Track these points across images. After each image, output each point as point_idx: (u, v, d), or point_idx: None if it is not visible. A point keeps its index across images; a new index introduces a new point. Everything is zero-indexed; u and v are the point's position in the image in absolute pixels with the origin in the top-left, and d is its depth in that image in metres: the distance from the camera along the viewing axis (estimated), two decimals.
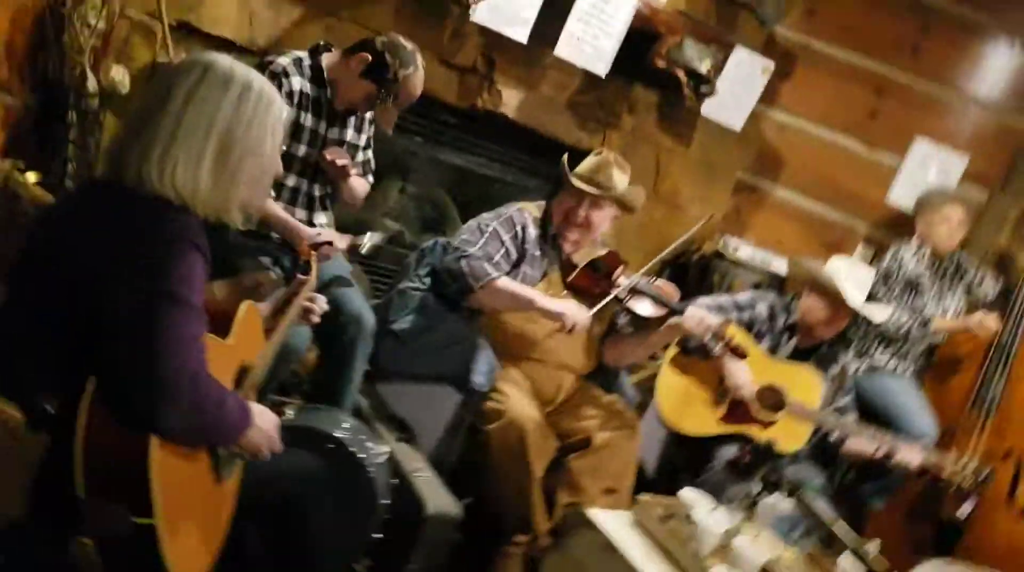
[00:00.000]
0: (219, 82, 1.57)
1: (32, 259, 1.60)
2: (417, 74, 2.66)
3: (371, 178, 3.00)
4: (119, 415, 1.43)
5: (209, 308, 1.59)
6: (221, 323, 1.66)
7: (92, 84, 2.75)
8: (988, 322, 3.60)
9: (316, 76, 2.68)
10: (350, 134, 2.83)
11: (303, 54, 2.71)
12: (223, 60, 1.62)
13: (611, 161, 2.87)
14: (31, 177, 2.63)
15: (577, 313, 2.69)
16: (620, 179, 2.88)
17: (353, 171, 2.76)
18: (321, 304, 2.03)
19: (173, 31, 2.90)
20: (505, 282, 2.75)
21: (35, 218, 1.65)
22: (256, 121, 1.60)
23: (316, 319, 2.04)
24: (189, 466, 1.55)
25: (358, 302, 2.75)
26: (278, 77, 2.57)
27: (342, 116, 2.77)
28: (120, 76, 2.81)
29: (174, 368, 1.43)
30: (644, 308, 2.84)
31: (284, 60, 2.64)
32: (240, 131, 1.58)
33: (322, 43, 2.75)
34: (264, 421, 1.68)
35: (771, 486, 2.39)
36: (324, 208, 2.85)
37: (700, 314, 2.81)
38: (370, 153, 2.97)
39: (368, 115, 2.88)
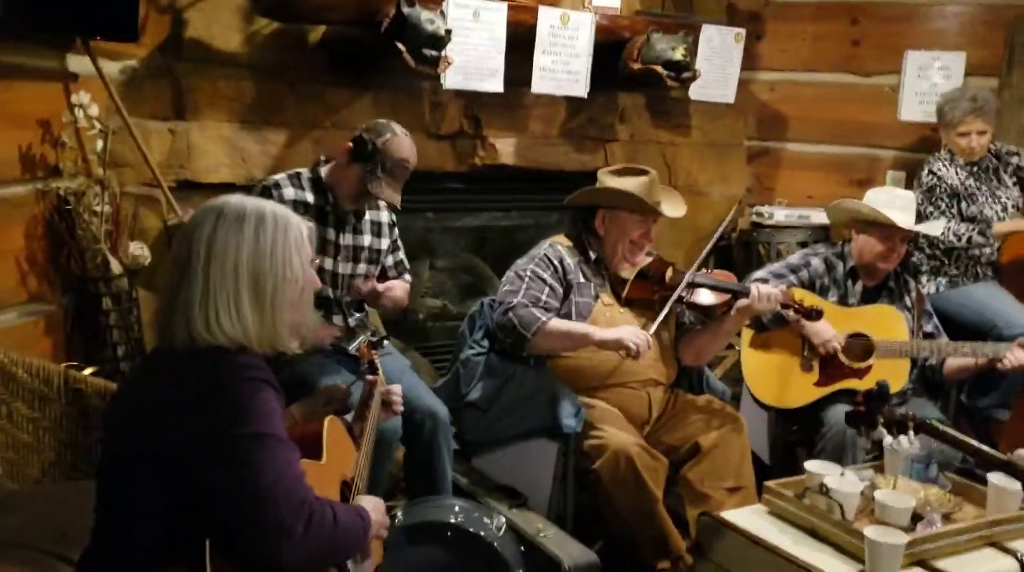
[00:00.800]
0: (233, 223, 1.59)
1: (114, 448, 1.61)
2: (395, 139, 2.66)
3: (408, 277, 3.00)
4: (244, 565, 1.42)
5: (294, 434, 1.59)
6: (310, 445, 1.66)
7: (116, 266, 2.81)
8: None
9: (316, 186, 2.73)
10: (367, 239, 2.85)
11: (303, 169, 2.77)
12: (233, 200, 1.64)
13: (654, 177, 2.89)
14: (88, 371, 2.68)
15: (634, 336, 2.63)
16: (666, 190, 2.94)
17: (370, 283, 2.76)
18: (397, 392, 2.03)
19: (174, 192, 2.98)
20: (556, 323, 2.74)
21: (105, 409, 1.67)
22: (279, 247, 1.61)
23: (400, 409, 2.04)
24: None
25: (427, 397, 2.76)
26: (268, 190, 2.63)
27: (354, 222, 2.79)
28: (139, 250, 2.88)
29: (281, 504, 1.43)
30: (706, 298, 2.82)
31: (278, 176, 2.72)
32: (266, 263, 1.59)
33: (322, 158, 2.80)
34: (376, 511, 1.69)
35: (898, 425, 2.30)
36: (359, 310, 2.88)
37: (761, 288, 2.77)
38: (401, 254, 2.98)
39: (387, 218, 2.89)
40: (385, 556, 1.83)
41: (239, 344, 1.56)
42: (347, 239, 2.79)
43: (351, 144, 2.67)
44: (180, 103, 3.06)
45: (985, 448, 2.29)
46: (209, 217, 1.60)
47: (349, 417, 1.94)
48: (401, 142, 2.68)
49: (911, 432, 2.29)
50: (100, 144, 2.78)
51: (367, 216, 2.84)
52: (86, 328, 2.86)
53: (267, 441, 1.47)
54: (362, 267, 2.84)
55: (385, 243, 2.90)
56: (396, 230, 2.96)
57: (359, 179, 2.67)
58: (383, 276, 2.92)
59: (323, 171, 2.75)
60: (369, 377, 2.02)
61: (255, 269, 1.57)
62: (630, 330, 2.67)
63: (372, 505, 1.70)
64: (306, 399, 1.96)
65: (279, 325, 1.61)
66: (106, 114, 2.82)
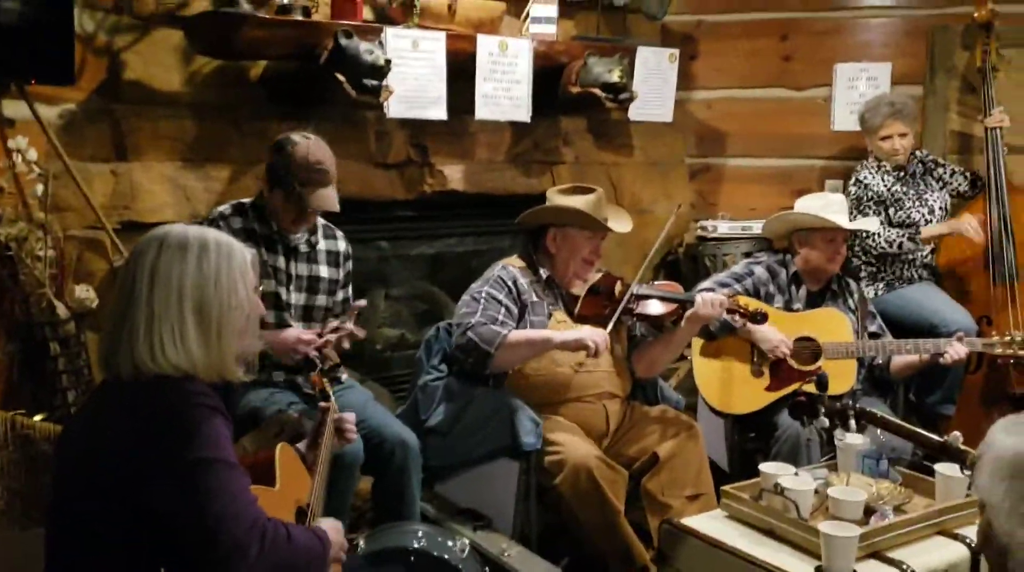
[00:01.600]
0: (176, 251, 1.59)
1: (66, 485, 1.59)
2: (298, 147, 2.59)
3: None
4: None
5: (246, 463, 1.59)
6: (263, 472, 1.66)
7: (62, 311, 2.77)
8: (976, 225, 3.61)
9: (261, 214, 2.71)
10: (325, 270, 2.81)
11: (247, 199, 2.77)
12: (175, 229, 1.64)
13: (601, 195, 2.96)
14: (37, 418, 2.64)
15: (594, 334, 2.69)
16: (612, 207, 3.02)
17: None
18: (351, 420, 2.03)
19: (119, 234, 2.95)
20: (516, 334, 2.77)
21: (54, 448, 1.65)
22: (223, 274, 1.61)
23: (353, 437, 2.04)
24: None
25: (396, 426, 2.74)
26: (215, 222, 2.62)
27: (308, 251, 2.77)
28: (85, 293, 2.83)
29: (235, 526, 1.43)
30: (655, 309, 2.88)
31: (222, 207, 2.72)
32: (211, 290, 1.59)
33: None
34: (334, 532, 1.69)
35: (839, 415, 2.36)
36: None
37: (706, 295, 2.83)
38: (350, 290, 2.93)
39: (344, 248, 2.87)
40: None
41: (185, 373, 1.56)
42: (300, 269, 2.76)
43: (266, 174, 2.66)
44: (121, 144, 3.04)
45: (922, 432, 2.36)
46: (152, 246, 1.60)
47: (302, 445, 1.94)
48: (305, 146, 2.61)
49: (852, 421, 2.35)
50: (40, 188, 2.75)
51: (323, 245, 2.82)
52: (34, 375, 2.81)
53: (219, 466, 1.47)
54: (321, 299, 2.81)
55: (341, 274, 2.88)
56: (351, 264, 2.92)
57: (285, 201, 2.64)
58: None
59: (265, 200, 2.73)
60: (321, 404, 2.03)
61: (200, 297, 1.58)
62: (589, 329, 2.72)
63: (330, 526, 1.70)
64: (257, 430, 1.96)
65: (225, 353, 1.61)
66: (45, 158, 2.79)
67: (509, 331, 2.76)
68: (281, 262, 2.73)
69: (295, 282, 2.75)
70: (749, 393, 3.13)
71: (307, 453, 1.92)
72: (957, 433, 2.23)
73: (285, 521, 1.54)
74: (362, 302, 2.69)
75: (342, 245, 2.89)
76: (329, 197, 2.65)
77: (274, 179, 2.64)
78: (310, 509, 1.76)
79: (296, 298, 2.75)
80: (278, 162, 2.61)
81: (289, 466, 1.75)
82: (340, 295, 2.89)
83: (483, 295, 2.86)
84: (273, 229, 2.71)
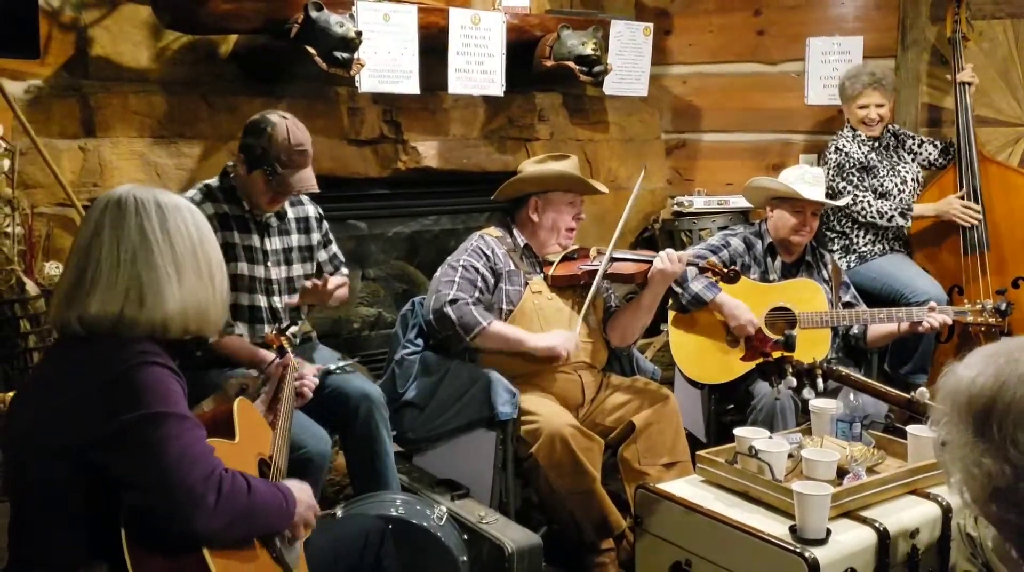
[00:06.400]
0: (155, 212, 1.60)
1: (17, 451, 1.58)
2: (277, 128, 2.55)
3: (345, 270, 2.95)
4: (160, 544, 1.42)
5: (205, 419, 1.60)
6: (222, 427, 1.67)
7: (32, 288, 2.75)
8: (970, 205, 3.65)
9: (230, 196, 2.68)
10: (296, 238, 2.81)
11: (212, 181, 2.73)
12: (141, 191, 1.64)
13: (576, 160, 3.01)
14: (10, 395, 2.62)
15: (565, 342, 2.75)
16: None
17: (313, 281, 2.69)
18: (310, 379, 2.03)
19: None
20: (495, 328, 2.78)
21: (7, 415, 1.65)
22: (205, 231, 1.66)
23: (310, 394, 2.04)
24: (252, 568, 1.52)
25: (357, 381, 2.73)
26: None
27: (278, 224, 2.75)
28: (56, 270, 2.81)
29: (189, 475, 1.43)
30: (626, 267, 2.90)
31: (190, 193, 2.66)
32: (205, 245, 1.64)
33: (229, 164, 2.76)
34: (303, 493, 1.69)
35: (807, 375, 2.38)
36: (294, 321, 2.80)
37: (669, 253, 2.84)
38: (334, 248, 2.94)
39: (314, 213, 2.86)
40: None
41: (150, 331, 1.55)
42: (275, 243, 2.75)
43: (242, 153, 2.62)
44: (89, 121, 3.01)
45: (888, 388, 2.37)
46: (128, 209, 1.60)
47: (262, 402, 1.94)
48: (284, 127, 2.56)
49: (819, 380, 2.37)
50: (7, 164, 2.72)
51: (290, 214, 2.80)
52: (4, 352, 2.78)
53: (168, 419, 1.47)
54: (297, 268, 2.80)
55: (316, 238, 2.86)
56: (325, 223, 2.92)
57: (265, 183, 2.60)
58: (319, 273, 2.86)
59: (233, 180, 2.71)
60: (280, 361, 2.04)
61: (196, 249, 1.62)
62: (561, 338, 2.76)
63: (297, 487, 1.70)
64: (217, 393, 1.95)
65: (217, 298, 1.66)
66: (12, 134, 2.77)
67: (489, 323, 2.77)
68: (256, 241, 2.71)
69: (272, 257, 2.73)
70: (725, 363, 3.15)
71: (267, 409, 1.92)
72: (924, 389, 2.25)
73: (247, 473, 1.54)
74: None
75: (311, 209, 2.87)
76: (310, 179, 2.63)
77: (252, 161, 2.58)
78: (273, 461, 1.75)
79: (277, 273, 2.73)
80: (256, 144, 2.56)
81: (248, 420, 1.74)
82: (323, 254, 2.89)
83: (461, 263, 2.87)
84: (245, 209, 2.69)
